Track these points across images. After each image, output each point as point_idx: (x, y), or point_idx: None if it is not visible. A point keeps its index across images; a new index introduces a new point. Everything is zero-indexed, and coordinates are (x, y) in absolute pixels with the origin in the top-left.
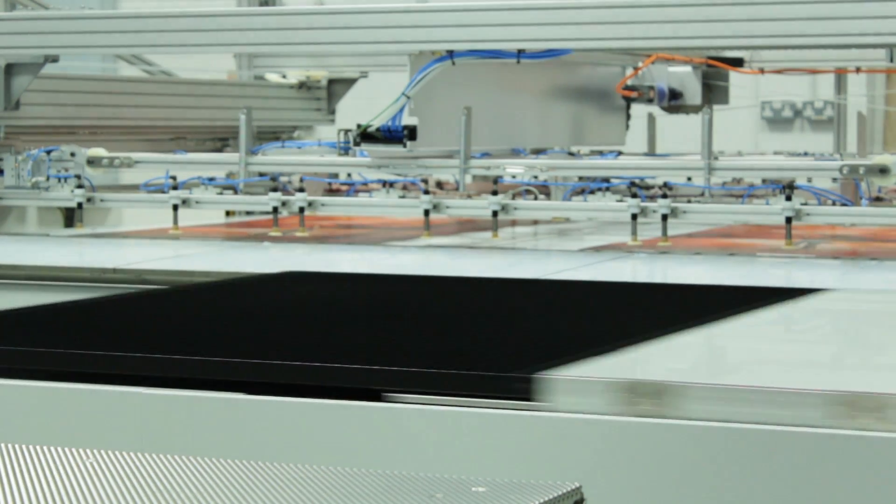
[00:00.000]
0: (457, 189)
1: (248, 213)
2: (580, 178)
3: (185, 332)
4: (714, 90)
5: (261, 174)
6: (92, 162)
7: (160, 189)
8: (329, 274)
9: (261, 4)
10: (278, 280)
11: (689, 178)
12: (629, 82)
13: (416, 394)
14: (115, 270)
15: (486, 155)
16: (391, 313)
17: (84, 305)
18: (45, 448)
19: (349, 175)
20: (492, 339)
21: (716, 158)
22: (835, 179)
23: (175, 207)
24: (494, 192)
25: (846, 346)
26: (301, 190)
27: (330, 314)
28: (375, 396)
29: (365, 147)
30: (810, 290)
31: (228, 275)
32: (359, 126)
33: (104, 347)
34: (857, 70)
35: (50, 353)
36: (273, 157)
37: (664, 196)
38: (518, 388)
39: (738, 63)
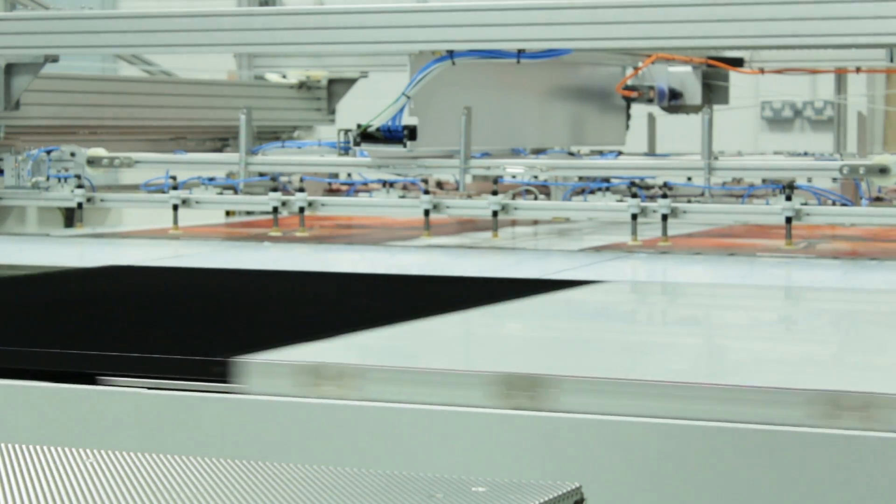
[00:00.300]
0: (457, 189)
1: (248, 213)
2: (580, 178)
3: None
4: (714, 90)
5: (261, 174)
6: (92, 162)
7: (160, 189)
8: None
9: (261, 4)
10: (102, 274)
11: (689, 178)
12: (629, 82)
13: (125, 377)
14: None
15: (486, 155)
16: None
17: None
18: (45, 448)
19: (349, 175)
20: (203, 327)
21: (716, 158)
22: (835, 179)
23: (175, 207)
24: (494, 192)
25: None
26: (301, 190)
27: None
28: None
29: (365, 147)
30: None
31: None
32: (359, 126)
33: None
34: (857, 70)
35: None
36: (273, 157)
37: (664, 196)
38: (216, 372)
39: (738, 63)
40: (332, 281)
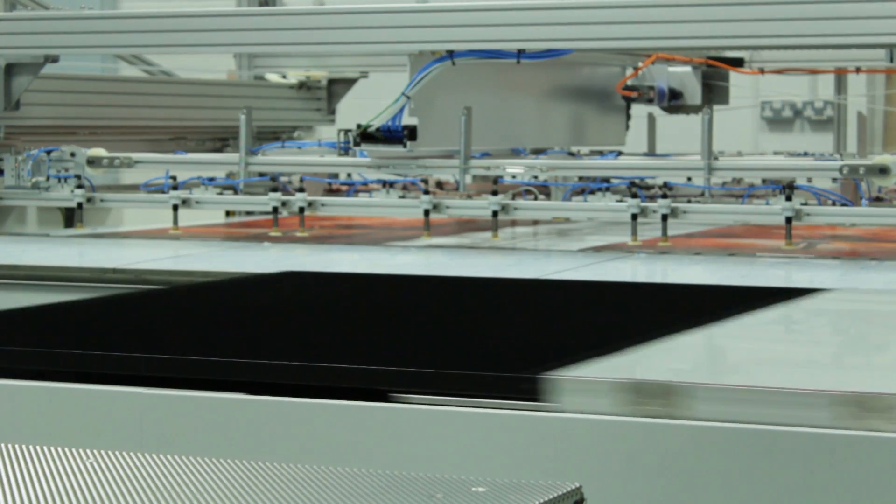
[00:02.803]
0: (457, 189)
1: (248, 213)
2: (580, 178)
3: (187, 333)
4: (714, 90)
5: (261, 174)
6: (92, 162)
7: (160, 189)
8: (328, 274)
9: (261, 4)
10: (278, 280)
11: (689, 179)
12: (629, 82)
13: (423, 394)
14: (114, 270)
15: (486, 155)
16: (394, 313)
17: (84, 305)
18: (45, 448)
19: (349, 175)
20: (497, 340)
21: (716, 158)
22: (835, 179)
23: (175, 207)
24: (494, 192)
25: (850, 346)
26: (301, 190)
27: (332, 314)
28: (382, 397)
29: (365, 147)
30: (809, 290)
31: (228, 275)
32: (359, 126)
33: (105, 347)
34: (857, 70)
35: (50, 352)
36: (273, 157)
37: (664, 196)
38: (525, 389)
39: (738, 63)
40: (555, 289)
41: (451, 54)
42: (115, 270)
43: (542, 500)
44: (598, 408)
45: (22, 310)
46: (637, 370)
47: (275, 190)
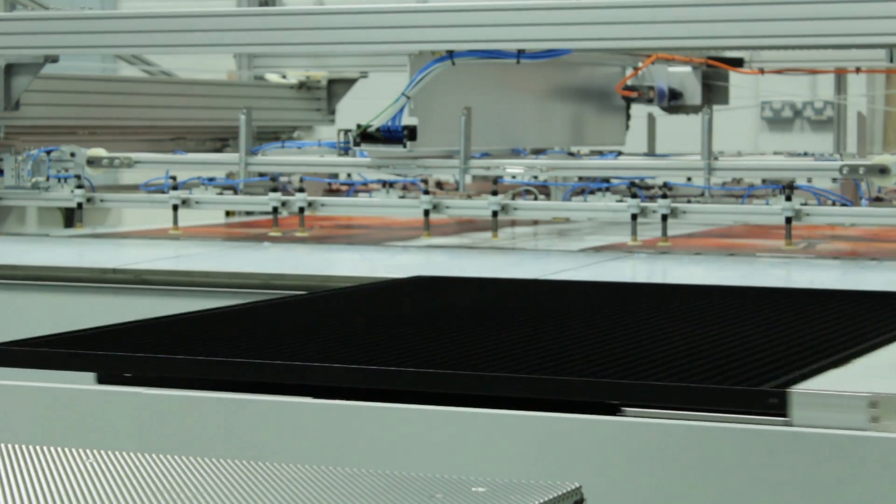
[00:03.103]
0: (457, 189)
1: (248, 213)
2: (580, 179)
3: (304, 340)
4: (714, 90)
5: (261, 174)
6: (92, 162)
7: (160, 189)
8: (460, 279)
9: (261, 4)
10: (408, 285)
11: (689, 179)
12: (629, 82)
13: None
14: (115, 270)
15: (486, 155)
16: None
17: (240, 311)
18: (45, 448)
19: (349, 175)
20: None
21: (716, 159)
22: (835, 179)
23: (175, 207)
24: (494, 193)
25: None
26: (301, 190)
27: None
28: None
29: (365, 147)
30: None
31: (305, 278)
32: (359, 126)
33: (267, 355)
34: (857, 70)
35: (193, 360)
36: (273, 158)
37: (664, 196)
38: (770, 404)
39: (738, 63)
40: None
41: (450, 54)
42: (115, 270)
43: (542, 500)
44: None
45: (178, 317)
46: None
47: (275, 190)
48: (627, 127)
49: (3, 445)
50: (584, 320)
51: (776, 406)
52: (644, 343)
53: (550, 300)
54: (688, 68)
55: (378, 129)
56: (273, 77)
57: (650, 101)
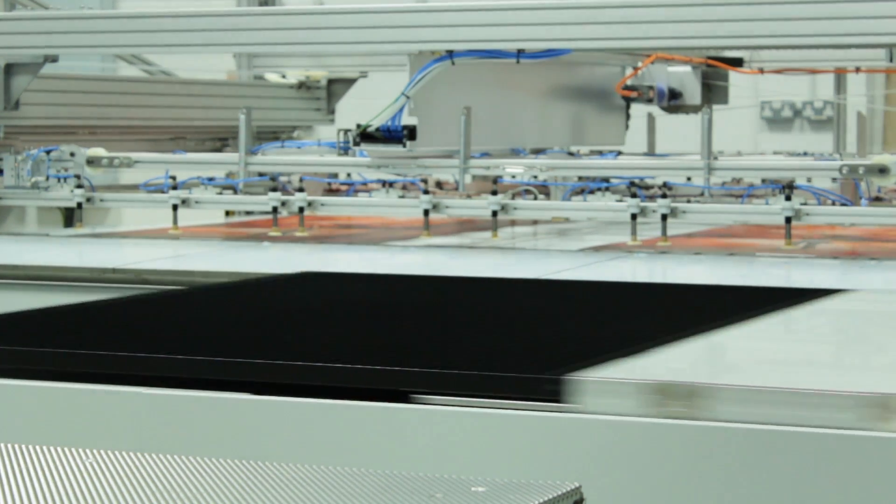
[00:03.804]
0: (456, 189)
1: (248, 213)
2: (580, 178)
3: (195, 333)
4: (714, 90)
5: (260, 174)
6: (91, 162)
7: (160, 189)
8: (344, 274)
9: (261, 4)
10: (295, 280)
11: (689, 178)
12: (629, 82)
13: (445, 395)
14: (114, 270)
15: (485, 155)
16: (405, 313)
17: (100, 306)
18: (45, 448)
19: (349, 175)
20: (514, 340)
21: (715, 158)
22: (834, 179)
23: (175, 207)
24: (494, 192)
25: (862, 347)
26: (301, 190)
27: (346, 314)
28: (403, 397)
29: (364, 147)
30: (826, 290)
31: (240, 275)
32: (358, 126)
33: (119, 349)
34: (857, 70)
35: (53, 353)
36: (273, 157)
37: (664, 196)
38: (548, 390)
39: (737, 63)
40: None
41: (450, 54)
42: (114, 270)
43: (541, 500)
44: (621, 409)
45: (24, 312)
46: (661, 371)
47: (274, 190)
48: (627, 127)
49: (2, 445)
50: (446, 313)
51: (554, 393)
52: (471, 332)
53: (433, 296)
54: (687, 68)
55: (378, 129)
56: (273, 77)
57: (650, 100)
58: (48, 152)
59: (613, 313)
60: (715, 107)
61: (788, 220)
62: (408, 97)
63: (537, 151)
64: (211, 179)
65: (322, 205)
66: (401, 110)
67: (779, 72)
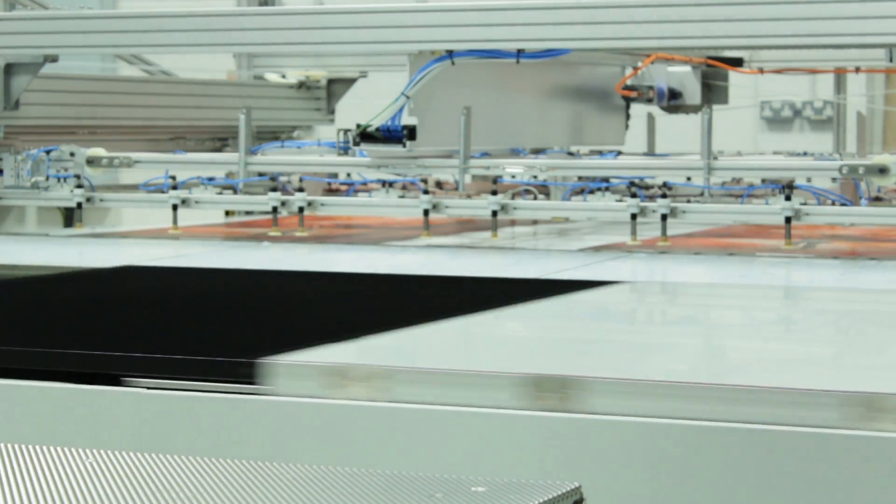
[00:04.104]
0: (456, 189)
1: (248, 212)
2: (580, 178)
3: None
4: (713, 90)
5: (260, 174)
6: (91, 162)
7: (160, 189)
8: (174, 269)
9: (261, 4)
10: (115, 274)
11: (689, 178)
12: (629, 82)
13: (153, 378)
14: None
15: (485, 155)
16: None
17: None
18: (45, 448)
19: (349, 175)
20: (242, 326)
21: (715, 158)
22: (834, 179)
23: (174, 207)
24: (494, 192)
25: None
26: (301, 190)
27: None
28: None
29: (364, 147)
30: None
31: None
32: (358, 126)
33: None
34: (857, 70)
35: None
36: (272, 157)
37: (663, 196)
38: (243, 373)
39: (737, 63)
40: (343, 281)
41: (450, 54)
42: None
43: (541, 500)
44: (306, 391)
45: None
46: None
47: (274, 190)
48: (627, 126)
49: (2, 445)
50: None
51: (248, 375)
52: (208, 319)
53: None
54: (687, 68)
55: (377, 129)
56: (272, 77)
57: (650, 100)
58: (48, 152)
59: (358, 304)
60: (715, 107)
61: (788, 220)
62: (408, 97)
63: (537, 151)
64: (211, 179)
65: (322, 205)
66: (401, 110)
67: (779, 72)
